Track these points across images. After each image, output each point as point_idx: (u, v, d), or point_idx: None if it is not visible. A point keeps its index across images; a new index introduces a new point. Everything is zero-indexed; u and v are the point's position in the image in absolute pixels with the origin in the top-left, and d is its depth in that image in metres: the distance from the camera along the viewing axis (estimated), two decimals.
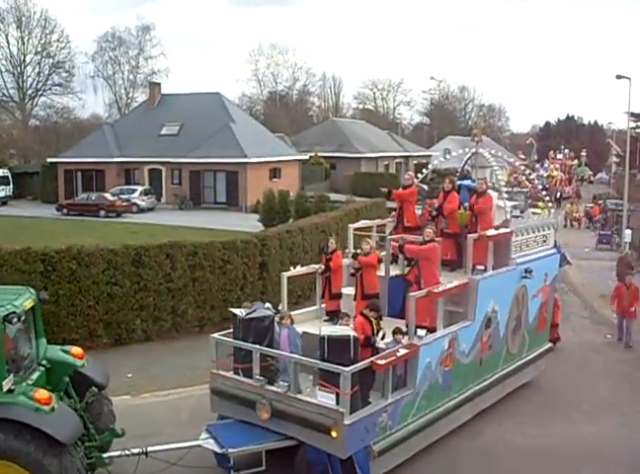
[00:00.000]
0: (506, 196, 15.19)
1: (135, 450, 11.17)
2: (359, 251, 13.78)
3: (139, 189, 52.29)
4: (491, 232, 14.05)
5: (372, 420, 10.92)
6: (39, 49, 79.35)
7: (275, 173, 55.54)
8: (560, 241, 37.80)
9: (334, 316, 13.50)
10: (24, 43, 78.57)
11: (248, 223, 37.63)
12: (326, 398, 10.65)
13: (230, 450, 11.04)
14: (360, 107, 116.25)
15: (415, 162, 73.87)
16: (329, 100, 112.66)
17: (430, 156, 74.47)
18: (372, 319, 11.76)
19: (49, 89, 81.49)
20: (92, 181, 55.92)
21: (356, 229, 15.97)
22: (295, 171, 59.80)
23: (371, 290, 13.40)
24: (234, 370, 12.16)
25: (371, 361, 10.88)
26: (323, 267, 14.12)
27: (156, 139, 56.05)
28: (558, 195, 58.56)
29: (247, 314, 12.23)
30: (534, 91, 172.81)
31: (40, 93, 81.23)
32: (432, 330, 12.45)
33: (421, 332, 11.96)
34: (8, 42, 78.05)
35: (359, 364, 10.71)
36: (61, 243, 19.79)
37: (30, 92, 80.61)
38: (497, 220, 14.77)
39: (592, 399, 15.55)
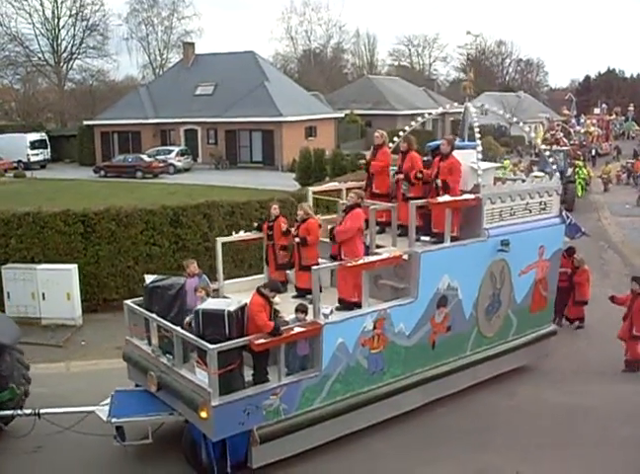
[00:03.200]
0: (480, 156, 13.03)
1: (28, 411, 11.23)
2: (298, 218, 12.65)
3: (176, 149, 52.61)
4: (444, 198, 12.27)
5: (255, 402, 10.17)
6: (73, 12, 79.36)
7: (310, 131, 55.32)
8: (600, 199, 37.64)
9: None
10: (58, 7, 78.55)
11: (284, 182, 37.63)
12: (202, 376, 10.12)
13: (113, 420, 10.77)
14: (396, 63, 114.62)
15: (451, 118, 72.96)
16: (364, 57, 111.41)
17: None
18: (271, 299, 10.70)
19: (84, 52, 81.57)
20: (128, 142, 56.33)
21: (318, 193, 14.39)
22: (331, 129, 59.49)
23: (310, 261, 12.16)
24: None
25: (249, 340, 10.11)
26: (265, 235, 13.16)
27: (191, 100, 56.07)
28: (593, 152, 56.76)
29: (152, 282, 11.80)
30: (574, 44, 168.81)
31: (74, 56, 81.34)
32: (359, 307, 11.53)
33: (325, 310, 10.91)
34: (42, 6, 78.18)
35: (227, 343, 9.94)
36: (100, 204, 20.05)
37: (65, 55, 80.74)
38: (469, 184, 12.92)
39: None
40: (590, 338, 16.20)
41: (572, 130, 55.20)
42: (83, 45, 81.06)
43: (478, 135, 13.20)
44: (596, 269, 19.42)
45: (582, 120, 64.10)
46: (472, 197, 12.56)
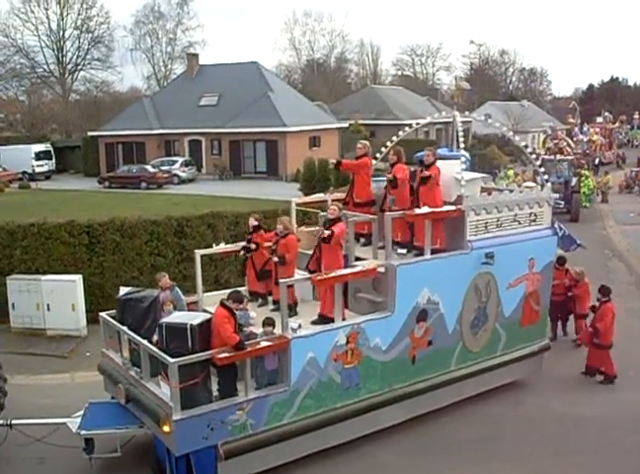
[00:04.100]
0: (464, 166, 12.82)
1: None
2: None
3: (180, 160, 52.73)
4: (422, 210, 12.04)
5: (220, 417, 10.02)
6: (78, 24, 79.75)
7: (314, 141, 55.42)
8: (605, 208, 37.45)
9: (259, 297, 12.87)
10: (63, 19, 78.99)
11: (289, 192, 37.57)
12: (166, 389, 10.01)
13: (82, 432, 10.77)
14: (399, 73, 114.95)
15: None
16: (367, 67, 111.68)
17: (470, 122, 73.58)
18: (236, 312, 10.58)
19: (89, 64, 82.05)
20: (132, 153, 56.45)
21: (301, 205, 14.27)
22: (335, 139, 59.56)
23: (288, 277, 12.01)
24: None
25: (211, 354, 10.00)
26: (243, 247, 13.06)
27: (195, 110, 56.24)
28: (597, 161, 56.22)
29: (125, 294, 11.74)
30: (577, 52, 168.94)
31: (79, 68, 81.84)
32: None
33: (294, 324, 10.69)
34: (48, 18, 78.64)
35: (189, 357, 9.85)
36: (104, 215, 20.09)
37: (69, 67, 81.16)
38: (453, 195, 12.61)
39: (637, 366, 15.31)
40: None
41: (574, 139, 54.99)
42: (88, 57, 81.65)
43: (462, 145, 13.03)
44: (600, 277, 19.30)
45: (585, 129, 63.89)
46: (452, 208, 12.29)
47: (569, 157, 37.85)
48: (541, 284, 13.98)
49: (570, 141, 45.27)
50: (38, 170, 54.77)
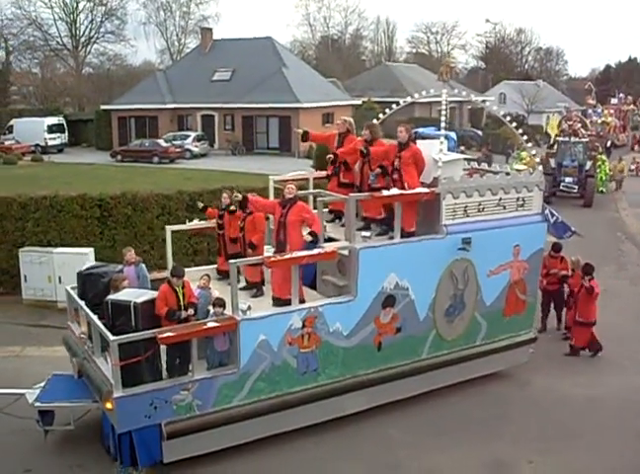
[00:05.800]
0: (441, 146, 12.15)
1: None
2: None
3: (192, 135, 52.63)
4: (390, 192, 11.49)
5: (163, 396, 9.85)
6: None
7: (327, 118, 55.16)
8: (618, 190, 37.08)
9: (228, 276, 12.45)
10: None
11: (301, 169, 37.50)
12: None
13: (36, 404, 10.72)
14: (414, 51, 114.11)
15: (469, 107, 72.62)
16: (382, 44, 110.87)
17: (484, 101, 73.15)
18: (176, 288, 10.42)
19: (102, 37, 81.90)
20: (145, 127, 56.42)
21: (280, 182, 13.45)
22: (348, 116, 59.22)
23: (233, 251, 12.16)
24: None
25: (154, 333, 9.76)
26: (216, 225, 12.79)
27: (208, 85, 56.04)
28: (609, 143, 55.02)
29: (87, 268, 11.65)
30: (595, 32, 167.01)
31: (92, 41, 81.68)
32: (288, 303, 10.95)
33: (243, 305, 10.39)
34: None
35: (130, 335, 9.68)
36: (116, 189, 20.11)
37: (83, 40, 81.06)
38: (430, 177, 12.02)
39: None
40: (604, 330, 16.08)
41: (588, 121, 54.27)
42: (101, 30, 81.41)
43: (443, 125, 12.68)
44: (612, 260, 19.23)
45: (599, 110, 63.11)
46: (425, 190, 11.67)
47: (584, 139, 37.25)
48: (529, 273, 13.23)
49: (586, 122, 44.74)
50: (50, 143, 54.77)
